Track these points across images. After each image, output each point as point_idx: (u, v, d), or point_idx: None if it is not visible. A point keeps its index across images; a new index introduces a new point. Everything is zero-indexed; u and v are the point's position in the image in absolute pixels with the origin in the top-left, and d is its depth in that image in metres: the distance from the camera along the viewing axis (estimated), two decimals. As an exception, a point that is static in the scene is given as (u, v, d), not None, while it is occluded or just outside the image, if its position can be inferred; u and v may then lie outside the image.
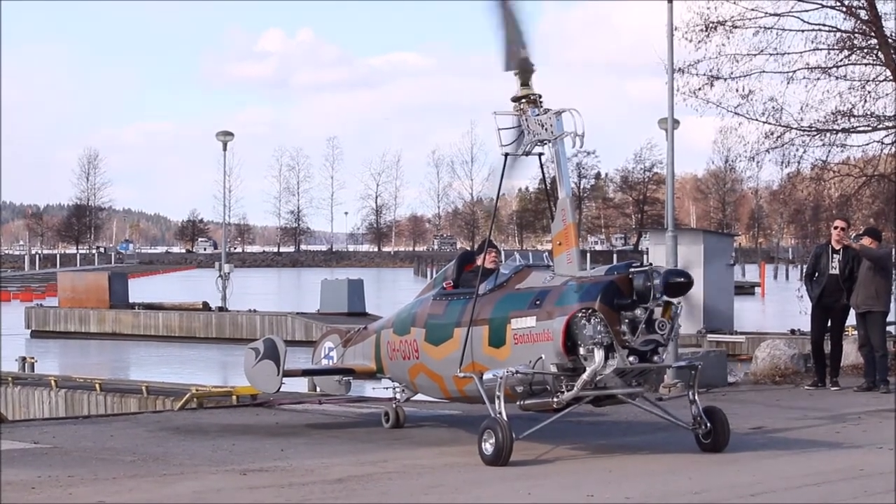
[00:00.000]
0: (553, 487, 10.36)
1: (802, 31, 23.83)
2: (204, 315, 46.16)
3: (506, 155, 12.71)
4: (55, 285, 57.24)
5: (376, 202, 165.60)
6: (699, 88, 23.86)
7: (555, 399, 11.76)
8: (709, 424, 12.02)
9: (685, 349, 20.90)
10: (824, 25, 23.80)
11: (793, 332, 28.64)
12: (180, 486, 10.42)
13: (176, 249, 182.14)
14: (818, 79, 23.90)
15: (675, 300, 11.69)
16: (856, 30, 23.92)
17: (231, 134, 48.82)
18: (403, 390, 14.26)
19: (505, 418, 11.44)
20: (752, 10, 23.60)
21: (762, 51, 23.76)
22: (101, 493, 9.95)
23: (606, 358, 11.43)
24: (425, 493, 10.13)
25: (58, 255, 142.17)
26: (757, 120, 24.23)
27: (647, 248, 35.14)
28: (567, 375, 11.65)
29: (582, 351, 11.50)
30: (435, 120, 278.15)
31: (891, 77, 23.56)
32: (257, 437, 13.46)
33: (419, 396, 14.41)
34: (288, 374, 14.14)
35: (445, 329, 12.93)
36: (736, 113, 24.18)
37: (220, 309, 46.88)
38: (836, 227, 18.35)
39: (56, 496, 9.88)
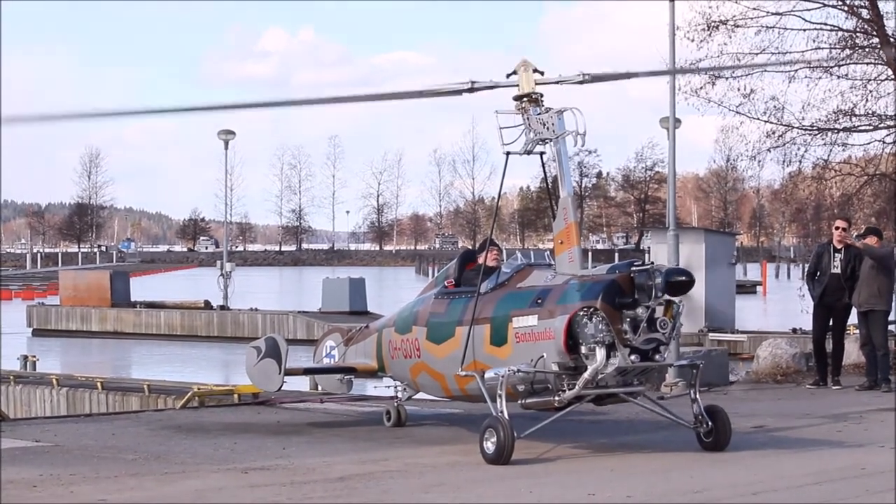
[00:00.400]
0: (554, 486, 10.37)
1: (804, 30, 23.86)
2: (205, 314, 46.18)
3: (507, 154, 12.72)
4: (57, 284, 57.24)
5: (378, 201, 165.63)
6: (701, 87, 23.93)
7: (556, 398, 11.77)
8: (710, 423, 12.02)
9: (686, 348, 20.89)
10: (826, 24, 23.83)
11: (794, 331, 28.63)
12: (182, 484, 10.43)
13: (177, 248, 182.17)
14: (820, 78, 23.94)
15: (676, 299, 11.69)
16: (857, 29, 23.93)
17: (232, 132, 48.81)
18: (405, 389, 14.26)
19: (506, 417, 11.44)
20: (754, 9, 23.63)
21: (764, 50, 23.79)
22: (103, 492, 9.95)
23: (608, 357, 11.43)
24: (427, 492, 10.13)
25: (59, 254, 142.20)
26: (758, 119, 24.29)
27: (649, 247, 35.12)
28: (568, 374, 11.65)
29: (583, 350, 11.50)
30: (436, 119, 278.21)
31: (892, 76, 23.58)
32: (259, 436, 13.47)
33: (421, 395, 14.40)
34: (289, 372, 14.14)
35: (447, 328, 12.93)
36: (737, 112, 24.25)
37: (222, 308, 46.90)
38: (836, 228, 18.34)
39: (58, 494, 9.89)
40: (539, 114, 12.40)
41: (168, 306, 48.35)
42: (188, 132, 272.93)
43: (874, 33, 23.68)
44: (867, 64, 24.15)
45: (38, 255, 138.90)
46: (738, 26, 23.63)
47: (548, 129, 12.31)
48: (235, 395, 17.24)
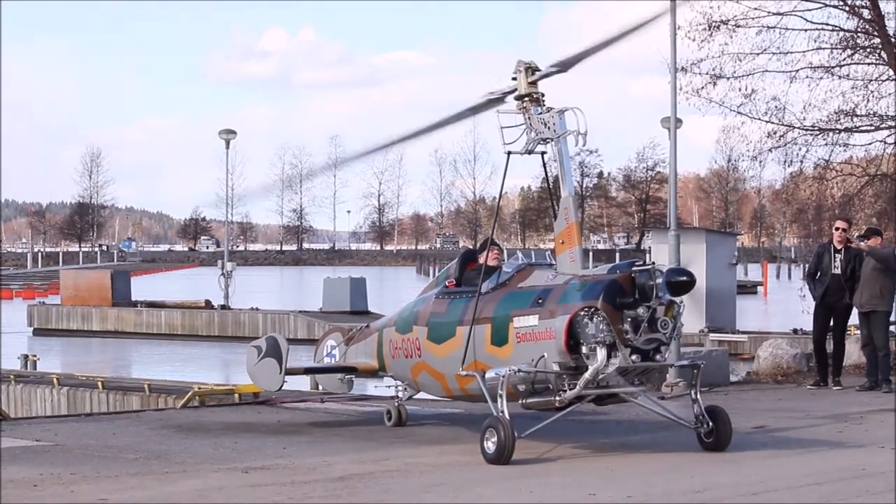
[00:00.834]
0: (555, 486, 10.37)
1: (805, 30, 23.86)
2: (206, 313, 46.17)
3: (508, 153, 12.72)
4: (58, 283, 57.20)
5: (379, 201, 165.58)
6: (702, 87, 23.92)
7: (557, 398, 11.77)
8: (711, 423, 12.01)
9: (687, 348, 20.90)
10: (827, 25, 23.82)
11: (795, 331, 28.63)
12: (182, 484, 10.42)
13: (178, 247, 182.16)
14: (821, 78, 23.93)
15: (677, 299, 11.69)
16: (858, 29, 23.93)
17: (234, 132, 48.82)
18: (405, 388, 14.26)
19: (507, 417, 11.44)
20: (755, 9, 23.62)
21: (765, 50, 23.79)
22: (103, 491, 9.95)
23: (609, 357, 11.43)
24: (427, 492, 10.13)
25: (60, 253, 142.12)
26: (760, 119, 24.28)
27: (650, 248, 35.09)
28: (569, 374, 11.65)
29: (584, 349, 11.50)
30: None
31: (893, 76, 23.57)
32: (259, 436, 13.47)
33: (421, 395, 14.40)
34: (290, 372, 14.15)
35: (448, 327, 12.93)
36: (739, 112, 24.23)
37: (223, 307, 46.89)
38: (837, 228, 18.32)
39: (58, 494, 9.89)
40: (540, 113, 12.41)
41: (169, 306, 48.35)
42: (190, 132, 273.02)
43: (875, 33, 23.67)
44: (868, 64, 24.15)
45: (39, 254, 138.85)
46: (738, 26, 23.61)
47: (549, 128, 12.31)
48: (236, 395, 17.24)
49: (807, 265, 19.69)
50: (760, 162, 25.05)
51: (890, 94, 23.87)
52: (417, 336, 13.40)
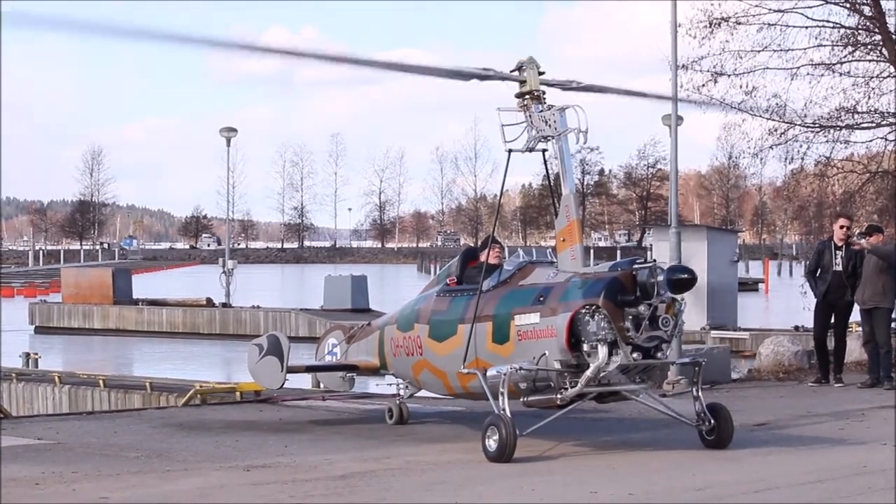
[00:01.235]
0: (556, 484, 10.36)
1: (806, 27, 23.85)
2: (207, 311, 46.21)
3: (509, 151, 12.71)
4: (59, 281, 57.24)
5: (380, 198, 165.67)
6: (703, 85, 23.91)
7: (558, 395, 11.76)
8: (712, 421, 12.01)
9: (689, 345, 20.89)
10: (828, 22, 23.82)
11: (797, 328, 28.63)
12: (184, 482, 10.42)
13: (179, 245, 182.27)
14: (822, 75, 23.93)
15: (678, 296, 11.68)
16: (859, 26, 23.92)
17: (234, 130, 48.86)
18: (407, 386, 14.25)
19: (508, 415, 11.44)
20: (756, 6, 23.61)
21: (766, 47, 23.79)
22: (105, 490, 9.95)
23: (610, 354, 11.42)
24: (428, 490, 10.13)
25: (62, 251, 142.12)
26: (761, 116, 24.27)
27: (651, 245, 35.11)
28: (571, 372, 11.65)
29: (585, 347, 11.49)
30: (438, 116, 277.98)
31: (894, 73, 23.56)
32: (260, 434, 13.47)
33: (422, 393, 14.39)
34: (291, 370, 14.15)
35: (449, 325, 12.93)
36: (739, 109, 24.20)
37: (224, 305, 46.94)
38: (841, 227, 18.29)
39: (60, 492, 9.89)
40: (541, 111, 12.40)
41: (170, 304, 48.38)
42: (191, 130, 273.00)
43: (876, 30, 23.67)
44: (869, 61, 24.14)
45: (41, 252, 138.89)
46: (739, 23, 23.61)
47: (550, 126, 12.31)
48: (237, 393, 17.23)
49: (808, 262, 19.68)
50: (761, 159, 25.10)
51: (891, 90, 23.88)
52: (419, 334, 13.40)
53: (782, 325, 33.09)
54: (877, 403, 16.00)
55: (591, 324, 11.43)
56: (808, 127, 24.18)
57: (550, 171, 12.78)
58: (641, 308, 11.47)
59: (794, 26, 23.81)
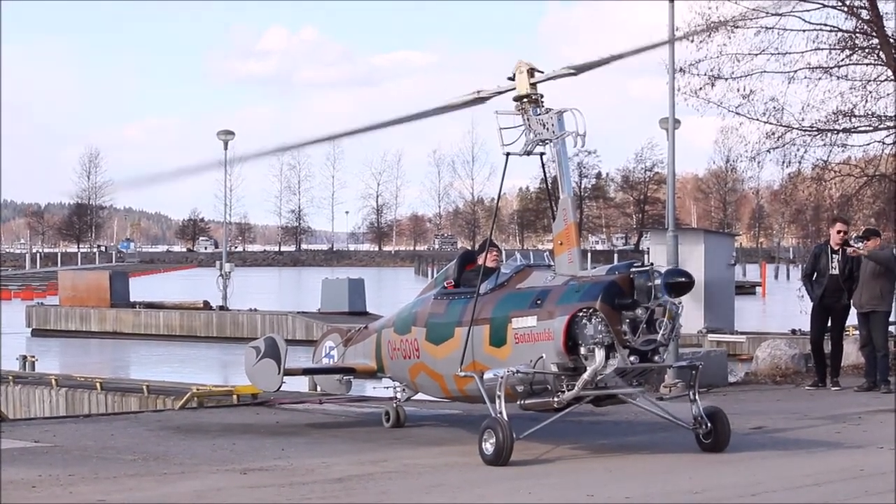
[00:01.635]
0: (553, 487, 10.36)
1: (804, 30, 23.85)
2: (205, 314, 46.17)
3: (507, 154, 12.72)
4: (56, 284, 57.21)
5: (377, 201, 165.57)
6: (700, 88, 23.92)
7: (555, 399, 11.77)
8: (709, 424, 12.02)
9: (686, 349, 20.88)
10: (825, 25, 23.81)
11: (793, 331, 28.63)
12: (181, 485, 10.42)
13: (177, 248, 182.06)
14: (819, 79, 23.93)
15: (675, 300, 11.69)
16: (857, 29, 23.93)
17: (232, 133, 48.80)
18: (404, 389, 14.26)
19: (505, 418, 11.44)
20: (754, 9, 23.60)
21: (763, 51, 23.78)
22: (102, 492, 9.95)
23: (607, 358, 11.43)
24: (426, 493, 10.13)
25: (59, 254, 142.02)
26: (758, 120, 24.27)
27: (648, 248, 35.12)
28: (568, 375, 11.65)
29: (583, 350, 11.50)
30: (436, 119, 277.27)
31: (892, 77, 23.57)
32: (258, 437, 13.47)
33: (420, 396, 14.41)
34: (288, 373, 14.14)
35: (446, 328, 12.93)
36: (737, 113, 24.24)
37: (221, 308, 46.90)
38: (839, 231, 18.30)
39: (57, 495, 9.89)
40: (539, 114, 12.41)
41: (167, 307, 48.34)
42: (189, 132, 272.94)
43: (874, 34, 23.67)
44: (867, 64, 24.14)
45: (38, 255, 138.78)
46: (737, 27, 23.60)
47: (548, 129, 12.32)
48: (234, 396, 17.22)
49: (804, 265, 19.69)
50: (759, 162, 25.07)
51: (888, 94, 23.88)
52: (416, 337, 13.40)
53: (779, 329, 33.10)
54: (873, 407, 16.01)
55: (588, 327, 11.43)
56: (805, 130, 24.17)
57: (548, 175, 12.79)
58: (638, 311, 11.48)
59: (792, 30, 23.81)
